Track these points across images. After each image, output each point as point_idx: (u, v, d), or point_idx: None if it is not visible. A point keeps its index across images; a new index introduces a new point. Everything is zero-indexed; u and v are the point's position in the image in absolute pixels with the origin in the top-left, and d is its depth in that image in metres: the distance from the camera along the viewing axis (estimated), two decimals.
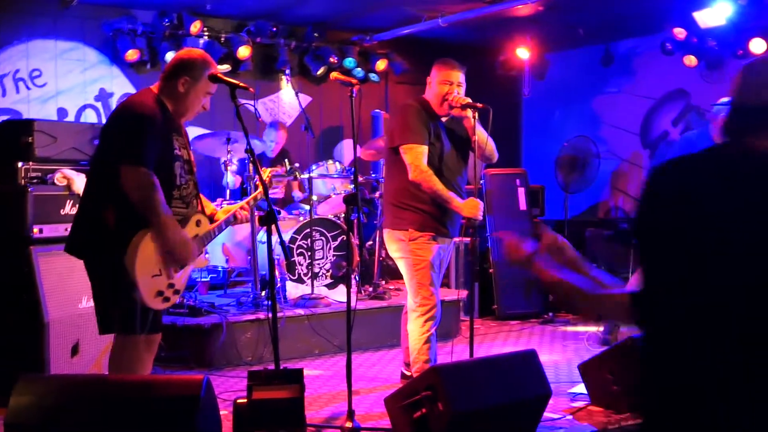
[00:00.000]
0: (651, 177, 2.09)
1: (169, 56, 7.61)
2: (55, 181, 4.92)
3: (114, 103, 7.80)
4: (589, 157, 8.49)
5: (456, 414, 3.69)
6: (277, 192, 7.48)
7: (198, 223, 3.84)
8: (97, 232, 3.60)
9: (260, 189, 4.16)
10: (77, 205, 3.82)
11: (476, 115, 4.69)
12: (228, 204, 5.63)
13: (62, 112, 7.54)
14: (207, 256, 4.10)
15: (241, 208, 4.07)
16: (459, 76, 4.80)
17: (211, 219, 3.99)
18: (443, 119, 4.84)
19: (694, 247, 1.94)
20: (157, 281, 3.59)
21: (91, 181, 3.74)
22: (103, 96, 7.79)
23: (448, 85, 4.76)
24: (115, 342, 3.73)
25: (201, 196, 3.98)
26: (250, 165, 3.78)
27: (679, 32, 8.00)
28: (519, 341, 6.88)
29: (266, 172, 4.47)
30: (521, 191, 8.25)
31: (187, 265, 3.72)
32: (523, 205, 8.22)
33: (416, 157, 4.64)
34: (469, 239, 4.75)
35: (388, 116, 8.73)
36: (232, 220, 4.03)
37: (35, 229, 4.74)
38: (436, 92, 4.78)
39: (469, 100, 4.71)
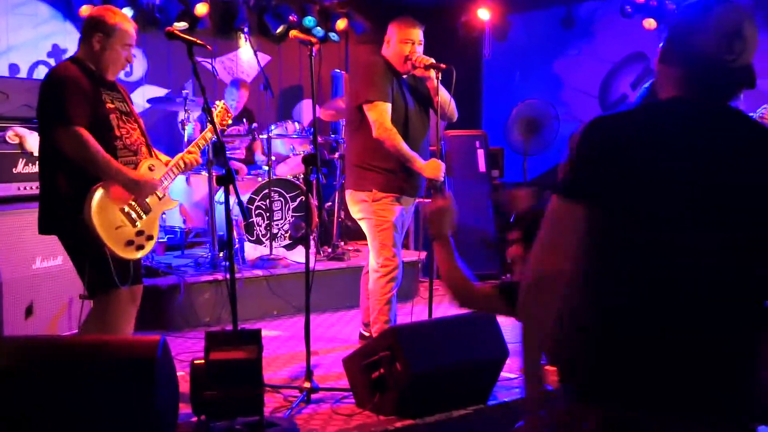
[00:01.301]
0: (603, 131, 2.00)
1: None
2: (7, 138, 4.84)
3: None
4: (547, 120, 8.52)
5: (414, 374, 3.72)
6: (238, 153, 7.43)
7: (151, 168, 3.88)
8: (55, 201, 3.68)
9: (209, 128, 4.15)
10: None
11: (439, 75, 4.67)
12: None
13: (14, 68, 7.36)
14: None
15: (188, 151, 4.08)
16: (419, 34, 4.77)
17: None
18: (404, 77, 4.82)
19: (659, 205, 1.88)
20: (122, 231, 3.68)
21: (40, 156, 3.80)
22: (57, 52, 7.61)
23: (410, 44, 4.72)
24: (95, 302, 3.78)
25: (152, 148, 4.01)
26: (208, 123, 3.73)
27: None
28: None
29: (219, 105, 4.42)
30: (481, 153, 8.27)
31: (151, 193, 3.80)
32: (482, 166, 8.24)
33: (380, 114, 4.61)
34: (429, 200, 4.75)
35: (349, 75, 8.68)
36: (183, 164, 4.04)
37: None
38: (397, 51, 4.74)
39: (433, 60, 4.69)
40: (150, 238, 3.84)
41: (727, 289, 1.89)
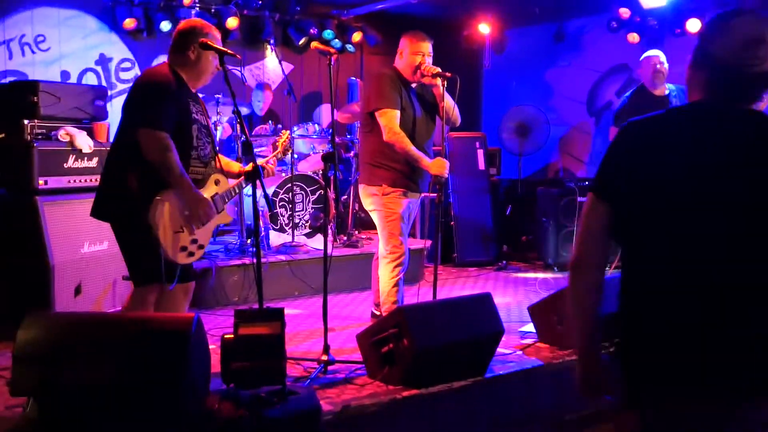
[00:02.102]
0: (628, 136, 1.97)
1: (164, 25, 7.48)
2: (59, 137, 4.85)
3: (113, 67, 7.66)
4: (538, 124, 8.49)
5: (419, 349, 3.71)
6: (264, 150, 7.43)
7: (217, 182, 3.79)
8: (121, 195, 3.52)
9: (278, 150, 4.32)
10: (101, 173, 3.73)
11: (445, 83, 4.65)
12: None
13: (65, 74, 7.38)
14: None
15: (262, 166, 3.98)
16: (428, 47, 4.76)
17: (238, 176, 3.93)
18: (413, 86, 4.81)
19: (676, 200, 1.87)
20: (180, 237, 3.56)
21: (114, 149, 3.66)
22: (103, 60, 7.63)
23: (420, 56, 4.71)
24: (136, 292, 3.68)
25: (221, 156, 3.90)
26: (237, 125, 3.75)
27: (624, 12, 7.98)
28: (476, 286, 6.92)
29: (285, 135, 4.45)
30: (480, 153, 8.24)
31: (205, 220, 3.65)
32: (481, 165, 8.22)
33: (390, 120, 4.60)
34: (435, 195, 4.73)
35: (363, 83, 8.65)
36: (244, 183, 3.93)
37: (41, 181, 4.68)
38: (408, 62, 4.73)
39: (439, 69, 4.67)
40: (201, 246, 3.71)
41: (743, 275, 1.83)
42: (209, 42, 3.66)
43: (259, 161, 3.94)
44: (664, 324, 1.89)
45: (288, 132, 4.58)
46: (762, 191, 1.81)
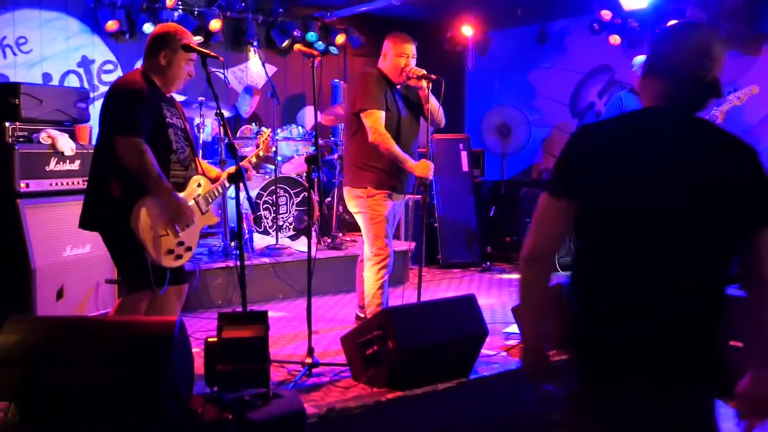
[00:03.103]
0: (582, 138, 2.09)
1: (147, 27, 7.43)
2: (41, 139, 4.81)
3: (95, 69, 7.62)
4: (519, 124, 8.52)
5: (404, 350, 3.71)
6: (249, 151, 7.41)
7: (199, 185, 3.78)
8: (105, 204, 3.54)
9: (259, 149, 4.32)
10: (86, 182, 3.72)
11: (430, 85, 4.66)
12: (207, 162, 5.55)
13: (47, 76, 7.33)
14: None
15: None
16: (412, 49, 4.76)
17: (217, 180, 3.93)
18: (398, 87, 4.81)
19: (624, 201, 1.97)
20: (165, 240, 3.56)
21: (95, 159, 3.66)
22: (85, 62, 7.58)
23: (404, 58, 4.71)
24: (127, 297, 3.68)
25: (200, 160, 3.90)
26: (220, 127, 3.74)
27: (606, 14, 8.03)
28: (460, 287, 6.94)
29: (266, 133, 4.45)
30: (464, 154, 8.26)
31: (186, 222, 3.64)
32: (465, 166, 8.23)
33: (375, 121, 4.60)
34: (419, 197, 4.74)
35: (347, 85, 8.65)
36: (227, 183, 3.91)
37: (22, 184, 4.63)
38: (393, 63, 4.73)
39: (425, 71, 4.67)
40: (189, 249, 3.70)
41: (688, 271, 1.95)
42: (191, 44, 3.66)
43: (243, 162, 3.94)
44: (606, 316, 2.02)
45: (269, 130, 4.57)
46: (702, 193, 1.92)
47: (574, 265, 2.12)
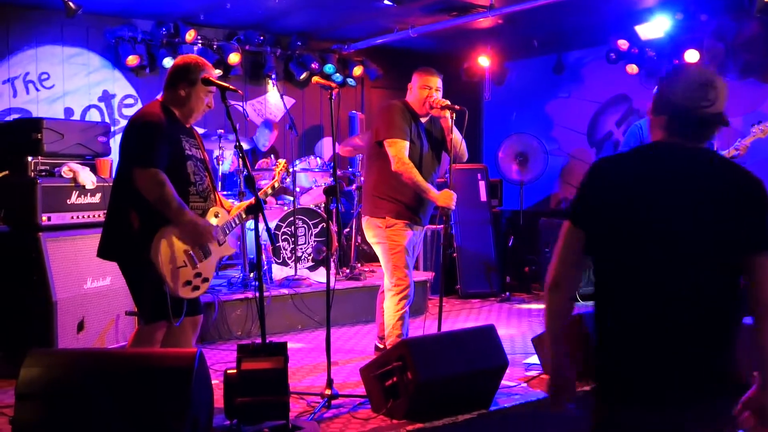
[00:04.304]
0: (598, 172, 2.19)
1: (167, 61, 7.53)
2: (62, 173, 4.87)
3: (116, 103, 7.72)
4: (536, 152, 8.51)
5: (423, 382, 3.69)
6: (267, 184, 7.44)
7: (216, 215, 3.79)
8: (124, 235, 3.54)
9: (275, 179, 4.34)
10: (105, 213, 3.74)
11: (453, 115, 4.69)
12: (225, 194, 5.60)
13: (68, 111, 7.44)
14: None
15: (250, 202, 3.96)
16: (437, 82, 4.80)
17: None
18: (423, 120, 4.83)
19: (637, 231, 2.07)
20: (183, 272, 3.55)
21: (114, 191, 3.68)
22: (106, 97, 7.70)
23: (428, 90, 4.75)
24: (144, 327, 3.67)
25: (217, 193, 3.92)
26: (239, 160, 3.78)
27: (623, 44, 8.04)
28: (479, 317, 6.90)
29: (281, 164, 4.48)
30: (482, 184, 8.27)
31: (210, 241, 3.66)
32: (483, 196, 8.24)
33: (399, 150, 4.62)
34: (439, 227, 4.74)
35: (371, 115, 8.70)
36: (244, 215, 3.93)
37: (44, 217, 4.69)
38: (418, 96, 4.77)
39: (449, 102, 4.70)
40: (206, 280, 3.70)
41: (702, 305, 2.03)
42: (211, 78, 3.69)
43: (246, 201, 3.97)
44: (622, 349, 2.10)
45: (284, 161, 4.59)
46: (707, 223, 2.01)
47: (594, 296, 2.19)
